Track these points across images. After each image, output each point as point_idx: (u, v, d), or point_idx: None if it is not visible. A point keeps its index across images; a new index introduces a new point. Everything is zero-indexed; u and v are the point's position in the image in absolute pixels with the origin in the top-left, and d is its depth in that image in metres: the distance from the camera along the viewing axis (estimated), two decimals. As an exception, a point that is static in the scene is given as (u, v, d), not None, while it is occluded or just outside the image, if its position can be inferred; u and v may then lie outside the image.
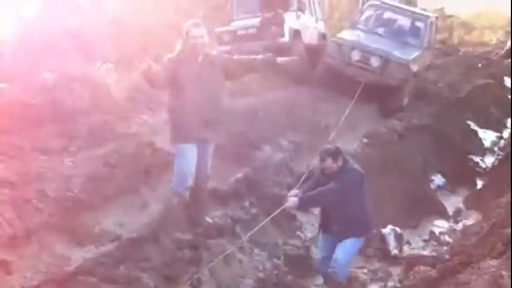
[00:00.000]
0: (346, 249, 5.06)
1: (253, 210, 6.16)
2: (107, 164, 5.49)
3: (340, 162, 5.10)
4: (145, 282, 4.04)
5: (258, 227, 5.20)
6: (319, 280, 5.58)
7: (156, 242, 4.70)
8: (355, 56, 10.72)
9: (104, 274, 4.02)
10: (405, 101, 10.79)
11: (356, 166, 5.27)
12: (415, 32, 11.56)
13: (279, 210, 5.23)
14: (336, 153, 5.15)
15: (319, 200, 5.16)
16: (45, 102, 6.36)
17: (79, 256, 4.40)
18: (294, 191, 5.21)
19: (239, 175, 6.53)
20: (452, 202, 8.52)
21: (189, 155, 5.00)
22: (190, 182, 5.02)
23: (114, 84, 7.57)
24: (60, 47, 7.87)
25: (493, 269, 4.02)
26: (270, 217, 5.36)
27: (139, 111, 7.52)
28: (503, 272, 3.89)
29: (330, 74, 10.94)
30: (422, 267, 5.41)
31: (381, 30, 11.66)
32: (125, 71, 8.28)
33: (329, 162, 5.07)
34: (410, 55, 10.82)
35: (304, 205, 5.25)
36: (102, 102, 7.14)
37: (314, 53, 11.90)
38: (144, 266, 4.25)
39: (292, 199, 5.01)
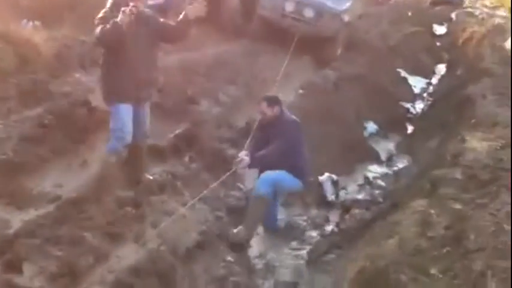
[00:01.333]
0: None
1: (194, 165, 6.22)
2: (41, 124, 5.37)
3: (276, 111, 5.31)
4: (89, 241, 4.04)
5: (208, 189, 5.30)
6: (259, 228, 5.78)
7: (97, 201, 4.68)
8: (289, 7, 10.74)
9: (45, 235, 3.99)
10: (339, 51, 10.98)
11: (293, 116, 5.47)
12: (346, -19, 11.65)
13: (231, 171, 5.33)
14: (272, 101, 5.35)
15: (268, 160, 5.31)
16: (-30, 62, 6.07)
17: (19, 219, 4.34)
18: (244, 152, 5.37)
19: (178, 131, 6.54)
20: (385, 147, 8.86)
21: (125, 114, 4.95)
22: (127, 140, 4.99)
23: (43, 42, 7.28)
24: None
25: (422, 208, 4.27)
26: (222, 178, 5.43)
27: (71, 70, 7.29)
28: (431, 211, 4.15)
29: (264, 27, 10.95)
30: (357, 211, 5.70)
31: (314, -19, 11.67)
32: (53, 29, 7.98)
33: (264, 106, 5.32)
34: (343, 5, 10.93)
35: (255, 166, 5.37)
36: (30, 61, 6.87)
37: (248, 5, 11.81)
38: (86, 225, 4.24)
39: (244, 160, 5.17)
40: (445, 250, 3.60)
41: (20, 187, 4.74)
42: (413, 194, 5.14)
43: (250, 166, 5.36)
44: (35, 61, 6.88)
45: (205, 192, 5.28)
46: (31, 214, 4.43)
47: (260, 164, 5.42)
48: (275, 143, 5.28)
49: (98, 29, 4.65)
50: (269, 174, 5.36)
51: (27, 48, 6.91)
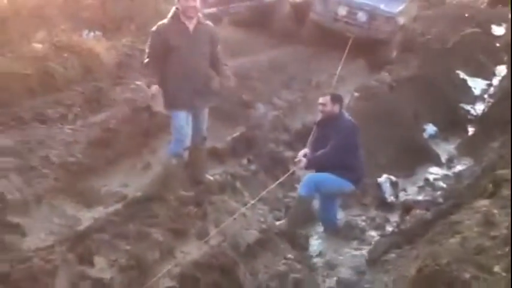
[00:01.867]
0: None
1: (252, 167, 6.33)
2: (107, 129, 5.60)
3: (336, 109, 5.35)
4: (155, 237, 4.19)
5: (267, 190, 5.43)
6: (320, 228, 5.81)
7: (161, 200, 4.84)
8: (342, 11, 10.76)
9: (114, 231, 4.16)
10: (394, 53, 10.89)
11: (351, 119, 5.50)
12: (400, -16, 11.55)
13: (290, 172, 5.54)
14: (336, 98, 5.43)
15: (324, 161, 5.36)
16: (39, 72, 6.40)
17: (88, 217, 4.55)
18: (303, 151, 5.50)
19: (236, 134, 6.67)
20: (445, 149, 8.70)
21: (183, 120, 5.11)
22: (186, 144, 5.14)
23: (104, 51, 7.60)
24: (46, 17, 7.83)
25: (485, 208, 4.19)
26: (281, 179, 5.62)
27: (132, 77, 7.57)
28: (494, 211, 4.06)
29: (317, 31, 11.00)
30: (418, 211, 5.62)
31: (366, -16, 11.64)
32: (113, 38, 8.31)
33: (327, 100, 5.38)
34: (397, 8, 10.86)
35: (311, 166, 5.43)
36: (93, 70, 7.19)
37: (300, 10, 11.90)
38: (152, 222, 4.40)
39: (301, 161, 5.32)
40: (507, 249, 3.51)
41: (89, 187, 4.97)
42: (476, 194, 5.03)
43: (307, 167, 5.42)
44: (98, 70, 7.20)
45: (264, 192, 5.40)
46: (100, 212, 4.64)
47: (316, 166, 5.45)
48: (331, 144, 5.32)
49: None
50: (312, 176, 5.44)
51: (90, 57, 7.24)
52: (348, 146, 5.39)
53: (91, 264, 3.75)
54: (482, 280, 3.09)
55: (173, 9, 5.03)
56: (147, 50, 5.03)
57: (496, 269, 3.19)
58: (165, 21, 5.02)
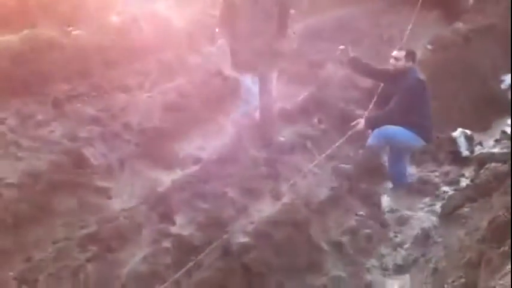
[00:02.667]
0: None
1: (322, 126, 6.40)
2: (182, 94, 5.84)
3: (408, 65, 5.32)
4: (231, 196, 4.42)
5: (332, 149, 5.54)
6: (389, 185, 5.86)
7: (235, 161, 5.06)
8: (415, -39, 10.33)
9: (192, 191, 4.43)
10: (470, 1, 10.39)
11: (420, 75, 5.43)
12: None
13: (348, 135, 5.59)
14: (410, 53, 5.50)
15: (387, 119, 5.42)
16: (117, 43, 6.71)
17: (167, 179, 4.85)
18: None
19: (305, 94, 6.74)
20: (526, 101, 8.35)
21: (249, 81, 5.25)
22: (255, 104, 5.27)
23: (177, 18, 7.81)
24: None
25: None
26: (342, 139, 5.69)
27: (202, 44, 7.75)
28: None
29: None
30: (493, 164, 5.50)
31: None
32: (183, 5, 8.49)
33: (401, 54, 5.42)
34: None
35: (372, 125, 5.48)
36: (167, 38, 7.43)
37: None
38: (227, 182, 4.63)
39: (359, 123, 5.45)
40: None
41: (166, 151, 5.27)
42: (555, 144, 4.87)
43: (367, 127, 5.45)
44: (170, 37, 7.43)
45: (329, 150, 5.47)
46: (178, 174, 4.92)
47: (378, 124, 5.45)
48: (393, 100, 5.31)
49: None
50: (382, 128, 5.47)
51: (165, 26, 7.46)
52: (412, 103, 5.36)
53: (172, 222, 4.04)
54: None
55: None
56: (218, 14, 5.16)
57: None
58: None
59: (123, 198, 4.49)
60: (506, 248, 3.14)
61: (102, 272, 3.47)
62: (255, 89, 5.30)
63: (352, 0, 10.14)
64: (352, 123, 5.49)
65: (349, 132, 5.59)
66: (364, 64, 5.88)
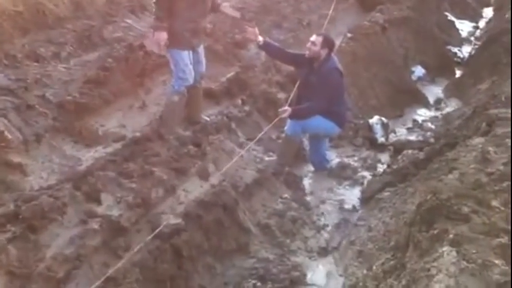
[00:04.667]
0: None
1: (246, 108, 6.36)
2: (102, 67, 5.53)
3: (323, 52, 5.38)
4: (158, 175, 4.25)
5: (261, 134, 5.50)
6: (311, 168, 5.95)
7: (160, 140, 4.88)
8: (333, -51, 10.51)
9: (117, 170, 4.21)
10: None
11: (338, 64, 5.50)
12: None
13: (274, 121, 5.59)
14: (327, 41, 5.45)
15: (308, 113, 5.49)
16: (29, 9, 6.22)
17: (88, 156, 4.59)
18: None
19: (229, 74, 6.65)
20: (433, 92, 8.81)
21: (186, 57, 5.10)
22: (190, 81, 5.14)
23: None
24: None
25: (480, 146, 4.30)
26: (268, 127, 5.69)
27: (122, 15, 7.41)
28: (490, 148, 4.17)
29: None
30: (409, 151, 5.74)
31: None
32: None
33: (318, 40, 5.42)
34: None
35: (296, 117, 5.49)
36: (84, 7, 7.01)
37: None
38: (154, 161, 4.45)
39: (286, 111, 5.38)
40: (505, 184, 3.64)
41: (87, 127, 4.97)
42: (469, 133, 5.15)
43: (291, 117, 5.49)
44: (88, 7, 7.02)
45: (261, 135, 5.45)
46: (100, 152, 4.67)
47: (301, 117, 5.51)
48: (316, 97, 5.38)
49: None
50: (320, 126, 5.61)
51: (80, -7, 7.03)
52: (332, 94, 5.49)
53: (98, 202, 3.82)
54: (481, 214, 3.21)
55: None
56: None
57: (494, 203, 3.32)
58: None
59: (41, 176, 4.18)
60: (436, 231, 3.26)
61: (24, 253, 3.20)
62: (189, 64, 5.14)
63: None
64: (279, 110, 5.46)
65: (275, 120, 5.61)
66: (277, 48, 5.88)
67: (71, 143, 4.76)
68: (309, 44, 5.52)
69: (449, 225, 3.18)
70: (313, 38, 5.51)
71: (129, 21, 7.32)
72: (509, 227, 3.18)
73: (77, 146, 4.74)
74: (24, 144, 4.37)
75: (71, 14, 6.65)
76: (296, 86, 5.82)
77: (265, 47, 5.79)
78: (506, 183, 3.65)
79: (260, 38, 5.65)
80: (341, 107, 5.71)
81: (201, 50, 5.40)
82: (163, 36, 4.86)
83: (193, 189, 4.40)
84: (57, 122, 4.77)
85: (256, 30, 5.62)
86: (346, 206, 5.33)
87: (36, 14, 6.19)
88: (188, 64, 5.07)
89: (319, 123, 5.54)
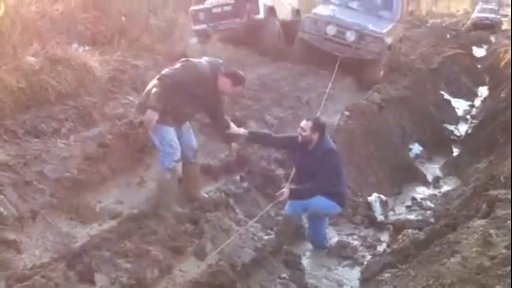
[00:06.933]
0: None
1: (244, 184, 6.34)
2: (101, 144, 5.56)
3: (315, 137, 5.40)
4: (154, 254, 4.16)
5: (258, 217, 5.51)
6: (310, 246, 5.86)
7: (156, 217, 4.83)
8: (331, 31, 10.91)
9: (112, 249, 4.13)
10: (381, 73, 11.05)
11: (331, 145, 5.52)
12: (388, 5, 11.78)
13: (273, 204, 5.65)
14: (317, 125, 5.47)
15: (309, 193, 5.46)
16: (32, 86, 6.33)
17: (84, 233, 4.51)
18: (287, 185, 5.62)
19: (229, 151, 6.67)
20: (431, 169, 8.85)
21: (172, 133, 5.11)
22: (178, 155, 5.11)
23: (97, 65, 7.57)
24: (40, 30, 7.77)
25: (481, 228, 4.25)
26: (265, 210, 5.73)
27: (124, 92, 7.55)
28: (492, 231, 4.13)
29: (306, 50, 11.13)
30: (410, 231, 5.67)
31: (354, 4, 11.86)
32: (103, 53, 8.28)
33: (308, 126, 5.43)
34: (385, 28, 11.06)
35: (294, 197, 5.47)
36: (86, 84, 7.14)
37: (289, 29, 12.04)
38: (150, 240, 4.37)
39: (284, 193, 5.37)
40: (508, 269, 3.58)
41: (84, 203, 4.91)
42: (469, 214, 5.12)
43: (290, 198, 5.46)
44: (90, 84, 7.16)
45: (257, 218, 5.46)
46: (96, 229, 4.60)
47: (300, 197, 5.48)
48: (315, 179, 5.38)
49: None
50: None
51: (84, 71, 7.19)
52: (331, 175, 5.46)
53: (92, 282, 3.72)
54: (485, 300, 3.14)
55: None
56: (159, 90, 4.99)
57: (498, 288, 3.25)
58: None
59: (34, 253, 4.09)
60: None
61: None
62: (174, 138, 5.15)
63: (274, 61, 10.47)
64: (277, 193, 5.46)
65: (273, 203, 5.63)
66: (266, 135, 5.94)
67: (66, 220, 4.69)
68: (299, 130, 5.54)
69: (453, 312, 3.09)
70: (303, 123, 5.52)
71: (130, 97, 7.44)
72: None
73: (72, 223, 4.67)
74: (19, 220, 4.31)
75: (73, 90, 6.76)
76: (294, 169, 5.84)
77: (252, 138, 5.81)
78: (510, 268, 3.59)
79: (243, 131, 5.65)
80: (341, 186, 5.69)
81: (187, 126, 5.43)
82: (155, 116, 4.89)
83: (190, 269, 4.29)
84: (54, 199, 4.72)
85: (236, 128, 5.61)
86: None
87: (39, 91, 6.29)
88: (174, 138, 5.08)
89: (320, 203, 5.49)
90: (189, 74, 5.04)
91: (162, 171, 5.21)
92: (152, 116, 4.89)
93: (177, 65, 5.13)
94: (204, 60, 5.30)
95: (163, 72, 5.10)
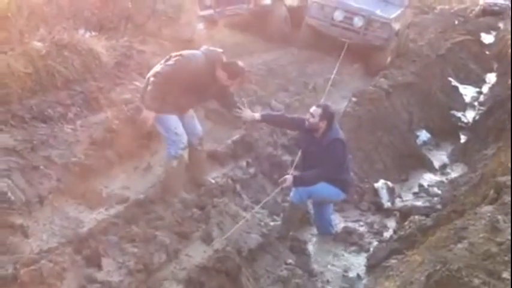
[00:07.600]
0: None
1: (251, 170, 6.34)
2: (109, 129, 5.56)
3: (322, 124, 5.34)
4: (161, 239, 4.18)
5: (263, 202, 5.53)
6: (315, 231, 5.88)
7: (163, 203, 4.84)
8: (338, 16, 10.82)
9: (119, 234, 4.14)
10: (388, 59, 10.97)
11: (339, 135, 5.48)
12: (396, -10, 11.64)
13: (278, 190, 5.62)
14: (327, 114, 5.40)
15: (313, 180, 5.42)
16: (39, 71, 6.32)
17: (91, 218, 4.53)
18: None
19: (235, 137, 6.68)
20: (438, 156, 8.80)
21: (174, 119, 5.12)
22: (183, 143, 5.11)
23: (103, 50, 7.55)
24: (46, 15, 7.76)
25: (489, 214, 4.24)
26: (270, 197, 5.70)
27: (130, 78, 7.53)
28: (499, 217, 4.11)
29: (313, 35, 11.05)
30: (416, 217, 5.66)
31: (362, -11, 11.70)
32: (110, 38, 8.26)
33: (317, 112, 5.37)
34: (392, 14, 10.94)
35: (298, 184, 5.43)
36: (93, 69, 7.13)
37: (296, 14, 11.94)
38: (157, 225, 4.39)
39: (288, 180, 5.32)
40: (512, 255, 3.57)
41: (90, 188, 4.92)
42: (477, 200, 5.09)
43: (295, 184, 5.43)
44: (97, 69, 7.14)
45: (262, 203, 5.49)
46: (103, 214, 4.61)
47: (304, 184, 5.45)
48: (320, 167, 5.35)
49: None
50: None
51: (90, 57, 7.17)
52: (337, 164, 5.44)
53: (99, 267, 3.73)
54: (492, 286, 3.13)
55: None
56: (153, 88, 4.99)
57: (505, 275, 3.24)
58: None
59: (41, 238, 4.11)
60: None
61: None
62: (179, 126, 5.15)
63: (280, 46, 10.41)
64: (280, 180, 5.42)
65: (277, 189, 5.61)
66: (277, 116, 5.99)
67: (74, 205, 4.70)
68: (308, 115, 5.49)
69: (460, 297, 3.08)
70: (313, 109, 5.47)
71: (137, 83, 7.41)
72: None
73: (79, 208, 4.68)
74: (27, 205, 4.32)
75: (80, 75, 6.74)
76: (299, 154, 5.82)
77: (264, 120, 5.79)
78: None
79: (256, 115, 5.65)
80: (346, 174, 5.66)
81: (190, 113, 5.42)
82: (151, 115, 4.95)
83: (196, 254, 4.32)
84: (61, 183, 4.72)
85: (249, 111, 5.63)
86: (351, 274, 5.22)
87: (46, 76, 6.27)
88: (179, 126, 5.09)
89: (325, 190, 5.48)
90: (182, 70, 5.00)
91: (168, 159, 5.22)
92: (148, 115, 4.98)
93: (171, 61, 5.08)
94: (201, 51, 5.23)
95: (157, 69, 5.07)
